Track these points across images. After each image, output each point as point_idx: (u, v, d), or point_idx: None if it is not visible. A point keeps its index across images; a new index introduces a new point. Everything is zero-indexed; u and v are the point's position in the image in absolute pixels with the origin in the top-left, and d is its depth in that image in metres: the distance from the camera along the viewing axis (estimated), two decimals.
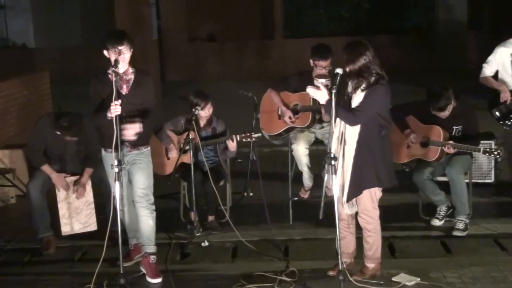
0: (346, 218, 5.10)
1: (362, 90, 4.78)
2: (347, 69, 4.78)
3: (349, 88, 4.89)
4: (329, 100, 4.68)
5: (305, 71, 6.38)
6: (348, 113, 4.77)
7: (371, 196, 4.95)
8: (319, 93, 4.76)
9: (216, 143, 6.30)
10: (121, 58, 5.05)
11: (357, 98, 4.81)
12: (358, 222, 5.10)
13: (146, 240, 5.34)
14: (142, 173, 5.28)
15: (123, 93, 5.16)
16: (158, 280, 5.25)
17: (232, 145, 6.20)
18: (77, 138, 5.95)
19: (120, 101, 4.93)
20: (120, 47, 5.05)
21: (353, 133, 4.82)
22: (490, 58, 6.90)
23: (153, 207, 5.34)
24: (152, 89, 5.32)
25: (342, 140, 4.88)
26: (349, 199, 4.91)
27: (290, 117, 6.25)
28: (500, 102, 6.71)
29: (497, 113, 6.74)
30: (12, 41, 19.08)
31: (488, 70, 6.89)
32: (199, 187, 6.07)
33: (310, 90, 4.84)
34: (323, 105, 4.79)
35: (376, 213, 5.01)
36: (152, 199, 5.34)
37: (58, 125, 5.87)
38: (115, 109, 4.88)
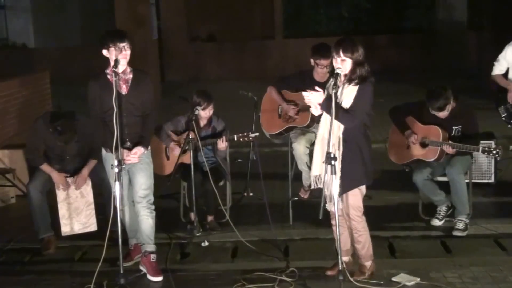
0: (342, 214, 5.08)
1: (355, 84, 4.78)
2: (352, 58, 4.74)
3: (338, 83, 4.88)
4: (326, 99, 4.74)
5: (305, 71, 6.37)
6: (347, 114, 4.78)
7: (361, 194, 4.98)
8: (314, 96, 4.79)
9: (214, 143, 6.29)
10: (123, 55, 5.07)
11: (347, 92, 4.81)
12: None
13: (146, 239, 5.35)
14: (143, 173, 5.28)
15: (123, 93, 5.16)
16: (159, 278, 5.26)
17: (221, 145, 6.18)
18: (71, 141, 5.94)
19: (137, 152, 5.19)
20: (122, 44, 5.07)
21: (336, 130, 4.82)
22: (500, 56, 6.90)
23: (153, 206, 5.36)
24: (150, 89, 5.33)
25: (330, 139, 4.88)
26: (341, 193, 4.89)
27: (293, 109, 6.22)
28: (507, 101, 6.70)
29: (503, 111, 6.73)
30: (12, 41, 19.09)
31: (497, 68, 6.89)
32: (199, 187, 6.07)
33: (306, 99, 4.91)
34: (320, 104, 4.80)
35: (362, 210, 5.02)
36: (152, 199, 5.36)
37: (53, 128, 5.86)
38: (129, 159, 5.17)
